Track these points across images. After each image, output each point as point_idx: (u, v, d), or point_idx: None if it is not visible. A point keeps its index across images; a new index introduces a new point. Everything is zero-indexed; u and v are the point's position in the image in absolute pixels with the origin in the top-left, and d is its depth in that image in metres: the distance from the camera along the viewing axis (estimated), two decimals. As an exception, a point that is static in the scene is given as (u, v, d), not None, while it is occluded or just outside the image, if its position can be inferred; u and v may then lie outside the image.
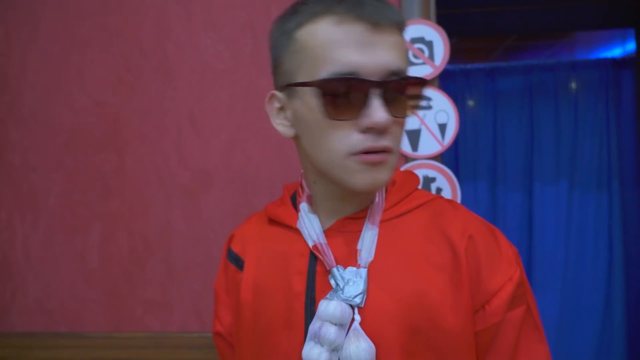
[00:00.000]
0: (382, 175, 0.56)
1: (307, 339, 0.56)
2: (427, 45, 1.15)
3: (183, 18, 1.19)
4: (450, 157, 1.98)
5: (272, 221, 0.68)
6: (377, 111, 0.52)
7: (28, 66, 1.24)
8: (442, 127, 1.15)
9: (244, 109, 1.16)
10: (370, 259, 0.58)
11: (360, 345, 0.53)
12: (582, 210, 1.90)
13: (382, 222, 0.60)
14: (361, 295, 0.55)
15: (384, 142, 0.54)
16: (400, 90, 0.55)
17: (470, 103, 1.95)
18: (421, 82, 0.58)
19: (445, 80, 1.97)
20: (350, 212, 0.61)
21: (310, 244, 0.60)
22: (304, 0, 0.57)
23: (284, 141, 1.01)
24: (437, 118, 1.15)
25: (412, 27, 1.14)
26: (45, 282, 1.23)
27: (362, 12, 0.52)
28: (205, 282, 1.17)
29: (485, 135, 1.94)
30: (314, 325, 0.56)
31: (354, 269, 0.57)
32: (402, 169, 1.14)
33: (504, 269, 0.57)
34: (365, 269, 0.57)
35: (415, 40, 1.16)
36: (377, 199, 0.61)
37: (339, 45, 0.52)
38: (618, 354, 1.91)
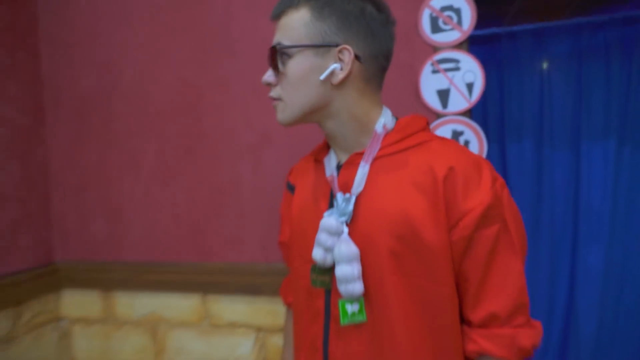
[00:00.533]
0: (277, 116, 0.82)
1: (315, 243, 0.79)
2: (455, 13, 1.29)
3: (245, 5, 1.42)
4: (496, 116, 2.06)
5: (315, 158, 0.90)
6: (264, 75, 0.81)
7: (127, 51, 1.54)
8: (470, 86, 1.29)
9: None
10: (360, 189, 0.77)
11: (344, 247, 0.74)
12: (631, 168, 1.92)
13: (380, 157, 0.78)
14: (348, 215, 0.76)
15: (270, 94, 0.82)
16: (270, 57, 0.80)
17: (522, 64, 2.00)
18: (270, 50, 0.79)
19: (496, 42, 2.04)
20: (358, 150, 0.81)
21: (328, 175, 0.82)
22: None
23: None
24: (465, 78, 1.29)
25: (443, -4, 1.29)
26: (146, 223, 1.56)
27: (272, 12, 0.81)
28: (269, 221, 1.43)
29: (531, 93, 2.00)
30: (318, 234, 0.78)
31: (347, 195, 0.77)
32: (433, 124, 1.31)
33: (478, 194, 0.73)
34: (354, 196, 0.77)
35: (445, 9, 1.29)
36: (371, 141, 0.79)
37: None
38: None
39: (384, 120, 0.80)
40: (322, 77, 0.76)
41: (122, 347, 1.61)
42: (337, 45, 0.75)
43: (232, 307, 1.49)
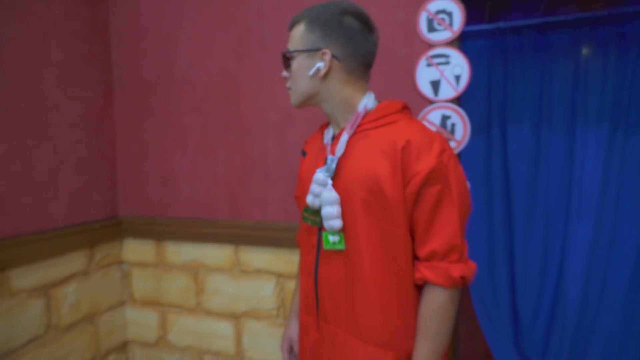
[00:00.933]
0: (290, 100, 1.13)
1: (309, 191, 1.09)
2: (448, 15, 1.54)
3: (275, 7, 1.72)
4: (499, 102, 2.27)
5: (320, 131, 1.20)
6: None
7: (179, 45, 1.87)
8: (457, 78, 1.54)
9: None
10: (340, 153, 1.05)
11: (326, 193, 1.03)
12: (622, 151, 2.10)
13: (360, 131, 1.06)
14: (331, 171, 1.05)
15: (286, 85, 1.13)
16: (282, 59, 1.12)
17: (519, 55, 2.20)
18: (282, 54, 1.11)
19: (496, 37, 2.25)
20: (344, 125, 1.10)
21: (324, 142, 1.12)
22: None
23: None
24: (453, 71, 1.55)
25: (437, 2, 1.54)
26: (191, 186, 1.91)
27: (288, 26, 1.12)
28: (289, 187, 1.75)
29: (532, 82, 2.21)
30: (311, 184, 1.08)
31: (332, 157, 1.06)
32: (425, 110, 1.57)
33: (426, 160, 0.99)
34: (336, 158, 1.05)
35: (439, 12, 1.55)
36: (352, 118, 1.07)
37: None
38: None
39: (366, 102, 1.08)
40: (310, 72, 1.07)
41: (169, 287, 1.99)
42: (319, 49, 1.05)
43: (258, 257, 1.83)
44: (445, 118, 1.56)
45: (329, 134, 1.14)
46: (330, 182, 1.05)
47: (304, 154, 1.25)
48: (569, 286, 2.23)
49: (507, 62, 2.23)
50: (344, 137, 1.07)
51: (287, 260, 1.79)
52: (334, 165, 1.05)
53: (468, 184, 1.08)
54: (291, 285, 1.80)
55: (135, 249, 2.02)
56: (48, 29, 1.70)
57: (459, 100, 1.58)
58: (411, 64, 1.59)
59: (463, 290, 1.94)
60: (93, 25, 1.88)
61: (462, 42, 1.75)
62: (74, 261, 1.81)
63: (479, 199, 2.34)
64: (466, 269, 1.02)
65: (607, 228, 2.17)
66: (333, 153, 1.08)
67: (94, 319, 1.91)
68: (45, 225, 1.71)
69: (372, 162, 1.02)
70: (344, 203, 1.04)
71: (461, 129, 1.55)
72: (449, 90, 1.55)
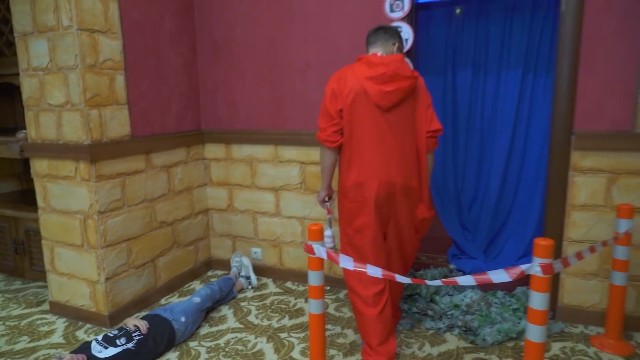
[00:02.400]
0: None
1: None
2: (401, 2, 2.58)
3: (298, -5, 2.80)
4: (451, 53, 3.29)
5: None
6: None
7: (237, 16, 2.97)
8: (407, 40, 2.61)
9: (323, 41, 2.76)
10: None
11: None
12: (533, 88, 3.13)
13: None
14: None
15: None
16: None
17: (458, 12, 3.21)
18: None
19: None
20: None
21: None
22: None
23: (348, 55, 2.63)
24: (404, 36, 2.61)
25: (396, -6, 2.58)
26: (248, 109, 3.07)
27: None
28: (308, 110, 2.88)
29: (473, 38, 3.22)
30: None
31: None
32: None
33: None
34: None
35: (396, 0, 2.59)
36: None
37: None
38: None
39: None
40: None
41: (234, 173, 3.20)
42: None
43: (289, 152, 3.00)
44: None
45: None
46: None
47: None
48: (492, 180, 3.35)
49: (456, 24, 3.23)
50: None
51: (307, 154, 2.96)
52: None
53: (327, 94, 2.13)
54: (309, 169, 2.97)
55: (212, 150, 3.23)
56: (163, 10, 2.82)
57: (407, 53, 2.66)
58: (380, 32, 2.66)
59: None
60: (185, 6, 2.99)
61: (427, 10, 2.81)
62: (180, 154, 3.02)
63: (437, 121, 3.41)
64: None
65: (519, 140, 3.24)
66: None
67: (190, 191, 3.15)
68: (165, 130, 2.91)
69: None
70: None
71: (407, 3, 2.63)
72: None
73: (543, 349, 1.75)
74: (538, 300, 1.71)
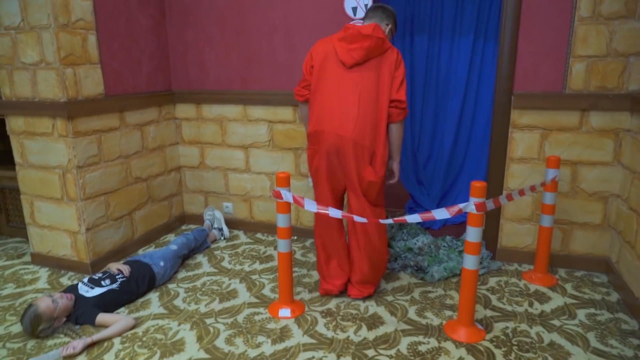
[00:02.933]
0: None
1: None
2: (362, -31, 2.76)
3: (265, -41, 2.91)
4: (409, 20, 3.51)
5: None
6: None
7: (206, -19, 3.07)
8: (366, 5, 2.79)
9: (288, 5, 2.92)
10: None
11: None
12: (482, 53, 3.40)
13: None
14: None
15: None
16: None
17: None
18: None
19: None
20: None
21: None
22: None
23: (328, 23, 2.80)
24: (365, 1, 2.79)
25: (357, -39, 2.74)
26: (217, 70, 3.20)
27: None
28: (274, 70, 3.05)
29: (430, 6, 3.45)
30: None
31: None
32: (350, 22, 2.85)
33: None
34: None
35: (357, -33, 2.76)
36: None
37: None
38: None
39: None
40: None
41: (205, 132, 3.36)
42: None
43: (257, 111, 3.19)
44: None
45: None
46: None
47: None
48: (446, 139, 3.66)
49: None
50: None
51: (274, 113, 3.15)
52: None
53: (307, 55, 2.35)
54: (277, 127, 3.17)
55: (183, 110, 3.37)
56: (132, -28, 2.89)
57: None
58: (342, -3, 2.84)
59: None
60: (153, -33, 3.06)
61: None
62: (151, 113, 3.16)
63: (397, 84, 3.65)
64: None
65: (470, 102, 3.54)
66: None
67: (163, 149, 3.30)
68: (137, 90, 3.02)
69: None
70: None
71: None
72: (361, 13, 2.82)
73: (476, 275, 2.08)
74: (473, 234, 2.03)
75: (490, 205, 2.05)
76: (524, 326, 2.20)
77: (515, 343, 2.06)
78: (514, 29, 2.62)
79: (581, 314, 2.30)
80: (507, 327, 2.19)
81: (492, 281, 2.67)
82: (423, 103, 3.67)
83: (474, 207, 1.98)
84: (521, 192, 2.32)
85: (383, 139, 2.24)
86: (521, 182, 2.78)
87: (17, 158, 2.75)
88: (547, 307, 2.36)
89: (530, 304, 2.40)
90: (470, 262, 2.06)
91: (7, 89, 2.64)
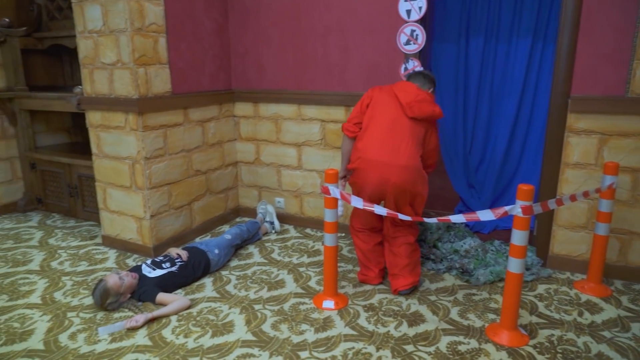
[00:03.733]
0: None
1: None
2: (417, -27, 2.80)
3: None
4: (465, 21, 3.48)
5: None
6: None
7: (267, -14, 3.23)
8: (420, 8, 2.83)
9: (343, 8, 3.00)
10: None
11: None
12: (541, 57, 3.31)
13: None
14: None
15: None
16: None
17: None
18: None
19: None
20: None
21: None
22: None
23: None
24: (418, 4, 2.83)
25: (412, -36, 2.79)
26: (274, 71, 3.36)
27: None
28: (328, 72, 3.16)
29: (486, 7, 3.40)
30: None
31: None
32: (403, 26, 2.89)
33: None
34: None
35: (413, -30, 2.80)
36: None
37: None
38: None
39: None
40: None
41: (261, 129, 3.53)
42: None
43: (310, 111, 3.31)
44: (412, 31, 2.89)
45: None
46: None
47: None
48: (499, 143, 3.59)
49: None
50: None
51: (327, 112, 3.25)
52: None
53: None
54: (329, 126, 3.27)
55: (242, 108, 3.56)
56: (199, -21, 3.10)
57: (422, 21, 2.88)
58: (396, 0, 2.89)
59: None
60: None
61: None
62: (212, 110, 3.37)
63: (450, 87, 3.64)
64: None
65: (526, 106, 3.46)
66: None
67: (222, 144, 3.51)
68: (200, 89, 3.24)
69: None
70: None
71: (421, 37, 2.88)
72: (415, 15, 2.86)
73: (521, 279, 2.07)
74: (518, 237, 2.02)
75: (537, 208, 2.03)
76: (570, 335, 2.15)
77: (560, 351, 2.03)
78: (572, 29, 2.56)
79: (636, 327, 2.21)
80: (552, 335, 2.15)
81: (541, 288, 2.61)
82: (477, 106, 3.63)
83: (520, 209, 1.98)
84: (572, 198, 2.26)
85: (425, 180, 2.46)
86: (576, 188, 2.70)
87: (93, 149, 3.05)
88: (598, 318, 2.29)
89: (580, 314, 2.33)
90: (514, 265, 2.05)
91: (88, 86, 2.93)
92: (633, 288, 2.59)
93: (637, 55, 2.42)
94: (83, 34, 2.85)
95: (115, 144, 2.91)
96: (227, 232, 3.00)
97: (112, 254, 3.09)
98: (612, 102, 2.52)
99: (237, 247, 3.05)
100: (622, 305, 2.42)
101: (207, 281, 2.69)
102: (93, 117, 2.98)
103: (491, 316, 2.31)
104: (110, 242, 3.17)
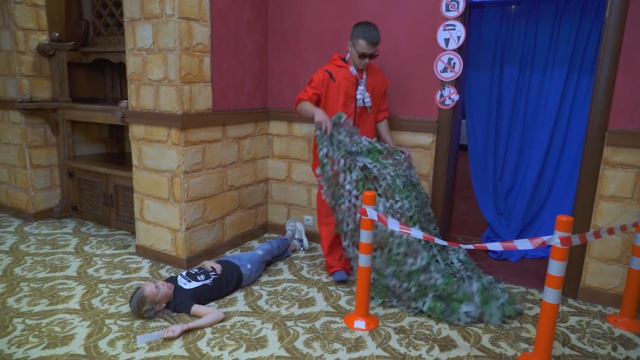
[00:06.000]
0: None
1: (357, 93, 2.71)
2: (456, 2, 2.87)
3: (363, -8, 3.13)
4: (500, 50, 3.53)
5: (339, 66, 2.73)
6: (365, 59, 2.69)
7: (306, 8, 3.34)
8: (459, 37, 2.90)
9: (382, 36, 3.09)
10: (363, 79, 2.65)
11: (363, 91, 2.69)
12: (576, 87, 3.34)
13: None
14: (364, 89, 2.66)
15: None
16: (370, 56, 2.68)
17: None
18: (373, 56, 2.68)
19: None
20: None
21: (354, 74, 2.66)
22: (360, 28, 2.67)
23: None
24: (457, 33, 2.90)
25: (452, -5, 2.87)
26: (283, 85, 3.46)
27: (371, 39, 2.62)
28: (364, 94, 3.24)
29: (522, 37, 3.45)
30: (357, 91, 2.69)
31: (362, 80, 2.64)
32: (440, 54, 2.95)
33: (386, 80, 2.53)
34: (364, 80, 2.67)
35: (452, 0, 2.88)
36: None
37: (363, 47, 2.64)
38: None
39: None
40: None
41: (294, 148, 3.61)
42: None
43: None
44: (450, 60, 2.95)
45: (354, 71, 2.71)
46: (367, 96, 2.68)
47: (330, 75, 2.73)
48: (530, 172, 3.60)
49: (507, 23, 3.47)
50: (365, 73, 2.67)
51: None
52: (363, 85, 2.64)
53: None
54: (361, 148, 3.32)
55: (276, 126, 3.65)
56: (244, 2, 3.23)
57: (460, 50, 2.95)
58: (434, 29, 2.97)
59: (468, 176, 3.43)
60: (262, -2, 3.41)
61: (480, 9, 3.09)
62: (249, 128, 3.46)
63: (481, 114, 3.67)
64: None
65: (559, 136, 3.47)
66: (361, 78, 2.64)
67: (255, 161, 3.59)
68: (238, 107, 3.34)
69: (377, 81, 2.68)
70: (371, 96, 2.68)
71: (458, 65, 2.94)
72: (453, 44, 2.93)
73: (557, 309, 2.07)
74: (556, 267, 2.03)
75: (575, 240, 2.04)
76: (606, 369, 2.13)
77: (595, 385, 2.01)
78: (612, 63, 2.58)
79: (672, 365, 2.18)
80: (587, 368, 2.13)
81: (573, 320, 2.59)
82: (509, 134, 3.65)
83: (558, 240, 1.99)
84: (610, 231, 2.26)
85: None
86: (610, 220, 2.69)
87: (134, 160, 3.15)
88: (634, 354, 2.26)
89: (614, 348, 2.31)
90: (550, 295, 2.05)
91: (133, 100, 3.06)
92: (668, 325, 2.55)
93: (677, 91, 2.43)
94: (132, 51, 2.99)
95: (157, 157, 3.01)
96: (259, 248, 3.06)
97: (145, 263, 3.17)
98: (650, 136, 2.53)
99: (267, 263, 3.10)
100: (658, 342, 2.38)
101: (239, 295, 2.74)
102: (136, 131, 3.09)
103: (523, 345, 2.31)
104: (143, 251, 3.25)
